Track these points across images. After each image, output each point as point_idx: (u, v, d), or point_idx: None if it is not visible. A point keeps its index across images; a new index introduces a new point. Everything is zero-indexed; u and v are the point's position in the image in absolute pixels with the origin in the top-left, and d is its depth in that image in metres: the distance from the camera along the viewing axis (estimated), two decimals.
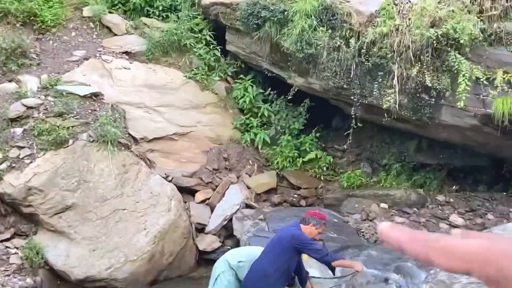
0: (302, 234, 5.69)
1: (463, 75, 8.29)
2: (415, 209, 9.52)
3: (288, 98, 10.68)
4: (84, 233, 8.47)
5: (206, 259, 9.44)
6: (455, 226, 8.98)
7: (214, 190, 10.13)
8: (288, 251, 5.58)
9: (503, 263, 0.53)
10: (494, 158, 10.09)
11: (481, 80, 8.33)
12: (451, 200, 9.77)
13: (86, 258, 8.30)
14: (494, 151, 9.76)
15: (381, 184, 10.24)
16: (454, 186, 10.25)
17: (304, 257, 6.84)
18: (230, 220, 9.57)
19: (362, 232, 8.90)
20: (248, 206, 9.85)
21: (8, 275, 7.89)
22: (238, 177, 10.45)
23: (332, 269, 5.77)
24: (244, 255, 6.15)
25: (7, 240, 8.35)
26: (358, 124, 9.67)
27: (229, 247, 9.40)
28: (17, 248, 8.27)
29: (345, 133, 10.18)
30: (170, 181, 9.78)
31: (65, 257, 8.28)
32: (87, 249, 8.38)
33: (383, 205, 9.66)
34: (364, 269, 5.81)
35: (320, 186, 10.65)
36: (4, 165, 8.51)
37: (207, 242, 9.51)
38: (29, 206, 8.44)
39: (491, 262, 0.54)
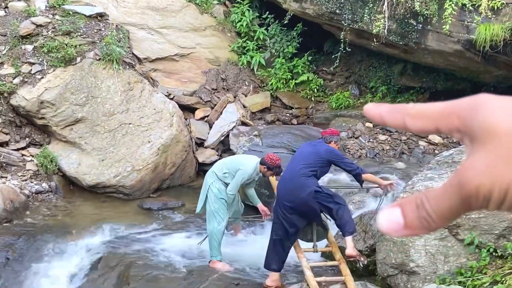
0: (336, 150, 5.85)
1: (450, 0, 8.32)
2: None
3: (284, 22, 10.66)
4: (93, 144, 8.71)
5: (205, 170, 9.71)
6: (434, 144, 9.30)
7: (212, 108, 10.32)
8: (323, 162, 5.71)
9: (463, 112, 0.54)
10: (473, 82, 10.28)
11: (467, 6, 8.37)
12: None
13: (96, 167, 8.59)
14: (474, 76, 9.94)
15: None
16: None
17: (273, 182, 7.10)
18: (227, 136, 9.82)
19: (348, 148, 9.19)
20: (243, 123, 10.08)
21: (25, 180, 8.20)
22: (235, 97, 10.61)
23: (361, 182, 5.90)
24: (228, 167, 6.45)
25: (23, 148, 8.60)
26: (348, 48, 9.75)
27: None
28: (32, 156, 8.54)
29: (334, 57, 10.28)
30: (172, 99, 9.93)
31: (77, 165, 8.56)
32: (96, 159, 8.66)
33: (368, 124, 9.91)
34: (394, 185, 5.97)
35: (310, 106, 10.87)
36: (17, 80, 8.61)
37: (206, 155, 9.80)
38: (42, 118, 8.62)
39: (454, 114, 0.54)
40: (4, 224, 7.27)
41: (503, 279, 4.81)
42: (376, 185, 6.07)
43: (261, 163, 6.34)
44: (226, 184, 6.41)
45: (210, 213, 6.41)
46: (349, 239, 5.58)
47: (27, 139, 8.74)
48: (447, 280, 5.01)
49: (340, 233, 5.87)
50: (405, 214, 0.56)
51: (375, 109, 0.61)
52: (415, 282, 5.29)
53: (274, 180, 6.88)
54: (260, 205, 6.70)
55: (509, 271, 4.90)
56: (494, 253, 5.01)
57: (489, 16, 8.33)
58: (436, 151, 8.95)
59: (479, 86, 10.27)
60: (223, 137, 9.85)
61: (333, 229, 6.17)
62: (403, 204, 0.56)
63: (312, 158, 5.64)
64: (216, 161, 9.73)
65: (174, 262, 6.44)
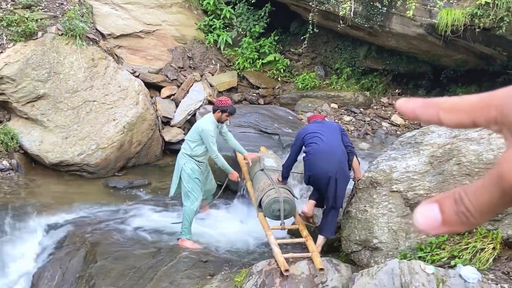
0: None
1: None
2: (361, 109, 10.01)
3: (251, 1, 10.65)
4: (56, 122, 8.55)
5: (171, 149, 9.76)
6: (396, 125, 9.57)
7: (178, 87, 10.26)
8: (340, 137, 5.84)
9: (501, 103, 0.52)
10: (434, 65, 10.59)
11: None
12: (394, 102, 10.31)
13: (59, 145, 8.45)
14: (435, 59, 10.24)
15: (333, 86, 10.62)
16: (397, 90, 10.77)
17: (262, 148, 7.24)
18: (194, 114, 9.81)
19: None
20: (210, 102, 10.07)
21: None
22: (201, 76, 10.58)
23: (350, 164, 6.01)
24: (192, 139, 6.43)
25: None
26: (315, 29, 9.85)
27: None
28: None
29: (302, 38, 10.38)
30: (137, 76, 9.83)
31: (39, 143, 8.40)
32: (60, 136, 8.51)
33: (333, 105, 10.10)
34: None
35: (277, 87, 10.95)
36: None
37: (172, 134, 9.78)
38: (1, 94, 8.40)
39: (491, 105, 0.53)
40: None
41: (460, 254, 5.06)
42: (352, 175, 6.10)
43: (214, 110, 6.37)
44: (198, 164, 6.41)
45: (185, 193, 6.44)
46: (321, 238, 5.85)
47: None
48: (408, 256, 5.23)
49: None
50: (443, 210, 0.54)
51: (408, 104, 0.60)
52: (377, 258, 5.50)
53: (241, 159, 6.96)
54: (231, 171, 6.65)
55: (465, 246, 5.15)
56: None
57: (451, 1, 8.57)
58: (398, 132, 9.23)
59: (439, 70, 10.59)
60: (189, 116, 9.84)
61: (299, 207, 6.33)
62: (440, 200, 0.55)
63: (335, 134, 5.78)
64: (182, 140, 9.78)
65: (142, 239, 6.47)
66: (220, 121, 6.39)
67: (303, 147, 5.91)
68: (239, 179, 6.72)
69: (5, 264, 6.20)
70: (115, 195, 7.98)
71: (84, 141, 8.56)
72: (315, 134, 5.82)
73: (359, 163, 6.06)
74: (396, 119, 9.67)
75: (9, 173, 8.09)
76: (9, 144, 8.18)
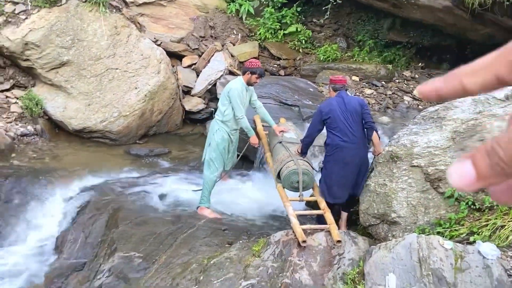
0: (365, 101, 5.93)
1: None
2: (383, 82, 9.84)
3: None
4: (79, 89, 8.59)
5: (191, 119, 9.78)
6: (417, 99, 9.40)
7: (200, 56, 10.19)
8: (361, 118, 5.80)
9: None
10: (459, 39, 10.31)
11: None
12: (416, 76, 10.12)
13: (83, 111, 8.51)
14: (461, 33, 9.96)
15: (354, 59, 10.44)
16: (420, 63, 10.54)
17: (282, 120, 7.18)
18: (214, 84, 9.77)
19: None
20: (231, 72, 10.01)
21: (10, 122, 8.09)
22: (222, 45, 10.48)
23: (370, 139, 5.98)
24: (221, 103, 6.40)
25: (7, 90, 8.45)
26: (338, 0, 9.63)
27: (212, 109, 9.72)
28: (17, 98, 8.40)
29: (324, 8, 10.17)
30: (159, 45, 9.78)
31: (63, 109, 8.46)
32: (83, 103, 8.56)
33: (354, 77, 9.95)
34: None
35: (298, 58, 10.80)
36: (0, 19, 8.34)
37: (193, 104, 9.77)
38: (26, 60, 8.43)
39: (511, 52, 0.51)
40: None
41: (479, 230, 5.01)
42: (372, 149, 6.09)
43: (244, 72, 6.35)
44: (230, 135, 6.42)
45: (207, 161, 6.46)
46: (345, 215, 6.03)
47: (11, 80, 8.57)
48: (426, 230, 5.19)
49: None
50: (476, 165, 0.53)
51: (427, 87, 0.58)
52: (395, 232, 5.48)
53: (261, 130, 6.92)
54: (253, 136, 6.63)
55: (485, 223, 5.09)
56: (472, 206, 5.19)
57: None
58: (420, 107, 9.07)
59: (464, 43, 10.32)
60: (210, 86, 9.79)
61: (317, 179, 6.31)
62: (473, 155, 0.53)
63: (357, 118, 5.71)
64: (202, 109, 9.79)
65: (163, 207, 6.53)
66: (249, 83, 6.37)
67: (324, 125, 5.88)
68: (259, 145, 6.72)
69: (30, 228, 6.32)
70: (136, 163, 8.04)
71: (106, 108, 8.59)
72: (339, 119, 5.74)
73: (379, 137, 5.98)
74: None
75: (33, 138, 8.18)
76: (33, 109, 8.25)
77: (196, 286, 4.83)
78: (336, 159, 5.79)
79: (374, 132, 5.83)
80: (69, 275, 5.43)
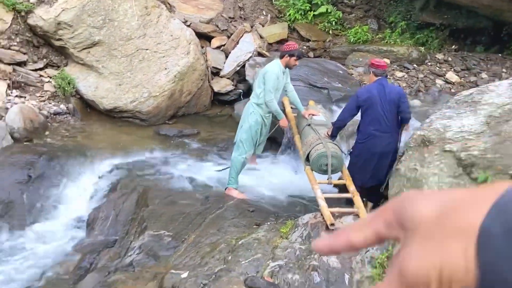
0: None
1: None
2: (415, 65, 9.66)
3: None
4: (111, 69, 8.68)
5: (219, 100, 9.79)
6: (450, 83, 9.20)
7: (229, 37, 10.16)
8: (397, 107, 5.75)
9: (395, 206, 0.54)
10: (495, 21, 10.02)
11: None
12: (449, 58, 9.89)
13: (113, 91, 8.60)
14: (497, 14, 9.67)
15: (386, 41, 10.26)
16: (454, 46, 10.30)
17: (311, 102, 7.13)
18: (243, 66, 9.74)
19: (364, 83, 9.12)
20: (260, 54, 9.96)
21: (43, 101, 8.25)
22: (252, 27, 10.43)
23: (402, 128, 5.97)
24: (257, 85, 6.38)
25: (40, 69, 8.59)
26: None
27: (241, 90, 9.72)
28: (50, 77, 8.54)
29: None
30: (188, 26, 9.78)
31: (94, 89, 8.57)
32: (114, 83, 8.65)
33: (385, 60, 9.78)
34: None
35: (328, 40, 10.67)
36: None
37: (221, 85, 9.77)
38: (59, 39, 8.54)
39: (388, 209, 0.55)
40: (25, 143, 7.39)
41: None
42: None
43: (281, 56, 6.31)
44: (264, 118, 6.42)
45: (237, 142, 6.48)
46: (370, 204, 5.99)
47: (44, 60, 8.71)
48: None
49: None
50: None
51: (321, 243, 0.60)
52: None
53: (290, 112, 6.89)
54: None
55: None
56: None
57: None
58: (453, 90, 8.89)
59: (500, 25, 10.03)
60: (239, 67, 9.77)
61: (347, 161, 6.27)
62: None
63: (394, 109, 5.66)
64: (231, 91, 9.78)
65: (191, 187, 6.60)
66: (288, 66, 6.34)
67: (359, 111, 5.82)
68: (287, 127, 6.71)
69: (63, 204, 6.46)
70: (165, 143, 8.12)
71: (136, 88, 8.67)
72: (375, 108, 5.67)
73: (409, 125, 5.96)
74: (451, 76, 9.30)
75: (66, 117, 8.32)
76: (66, 89, 8.38)
77: (225, 266, 4.88)
78: (367, 147, 5.77)
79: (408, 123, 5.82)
80: (100, 251, 5.55)
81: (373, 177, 5.87)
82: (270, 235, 5.30)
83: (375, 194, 6.08)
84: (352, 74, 9.47)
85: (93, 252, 5.56)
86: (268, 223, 5.71)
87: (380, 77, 5.80)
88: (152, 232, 5.51)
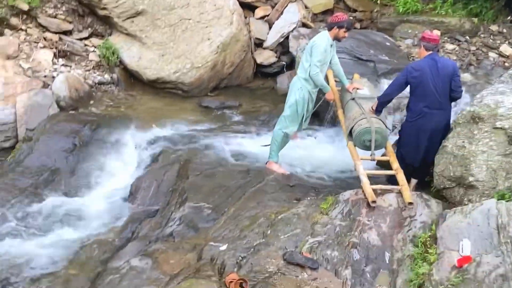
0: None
1: None
2: (467, 37, 9.24)
3: None
4: (154, 39, 8.70)
5: (262, 72, 9.69)
6: (504, 56, 8.78)
7: (273, 7, 9.99)
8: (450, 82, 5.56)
9: None
10: None
11: None
12: (504, 30, 9.41)
13: (156, 62, 8.64)
14: None
15: (437, 11, 9.82)
16: (510, 17, 9.78)
17: (356, 76, 6.95)
18: (287, 37, 9.57)
19: (413, 56, 8.83)
20: (304, 25, 9.75)
21: (88, 70, 8.38)
22: None
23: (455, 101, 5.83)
24: (305, 59, 6.26)
25: (85, 38, 8.71)
26: None
27: (284, 63, 9.58)
28: (94, 46, 8.65)
29: None
30: None
31: (138, 59, 8.63)
32: (157, 53, 8.68)
33: (436, 31, 9.38)
34: None
35: (375, 10, 10.33)
36: None
37: (265, 57, 9.65)
38: (104, 9, 8.60)
39: None
40: (70, 112, 7.56)
41: None
42: None
43: (329, 28, 6.17)
44: (311, 94, 6.32)
45: (281, 116, 6.42)
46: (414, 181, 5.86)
47: (89, 29, 8.82)
48: (506, 196, 4.94)
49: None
50: None
51: None
52: (472, 196, 5.25)
53: (334, 85, 6.75)
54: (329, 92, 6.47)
55: None
56: None
57: None
58: (507, 64, 8.50)
59: None
60: (282, 39, 9.62)
61: (391, 138, 6.12)
62: None
63: (447, 85, 5.50)
64: (274, 63, 9.66)
65: (232, 160, 6.61)
66: (337, 38, 6.20)
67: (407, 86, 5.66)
68: (333, 101, 6.60)
69: (106, 174, 6.61)
70: (207, 114, 8.14)
71: (179, 59, 8.68)
72: (427, 85, 5.47)
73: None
74: (506, 49, 8.85)
75: (110, 87, 8.45)
76: (110, 58, 8.48)
77: (263, 240, 4.89)
78: (418, 126, 5.60)
79: None
80: (142, 221, 5.67)
81: (424, 156, 5.71)
82: (310, 211, 5.27)
83: (421, 172, 5.92)
84: (400, 46, 9.16)
85: (135, 221, 5.68)
86: (308, 198, 5.67)
87: (431, 52, 5.59)
88: (192, 203, 5.58)
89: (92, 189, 6.41)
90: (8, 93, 7.35)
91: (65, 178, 6.39)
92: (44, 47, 8.23)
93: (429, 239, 4.74)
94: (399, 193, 5.28)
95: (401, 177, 5.47)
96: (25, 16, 8.32)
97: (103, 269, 4.87)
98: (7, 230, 5.52)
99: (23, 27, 8.28)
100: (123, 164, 6.78)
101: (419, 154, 5.70)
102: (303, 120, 6.50)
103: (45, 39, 8.32)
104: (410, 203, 5.11)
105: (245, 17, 9.74)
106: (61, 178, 6.38)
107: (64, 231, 5.57)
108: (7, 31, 8.02)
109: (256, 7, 9.95)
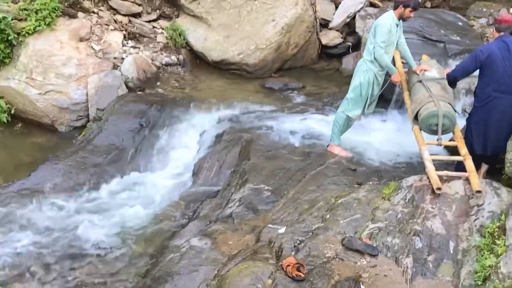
0: None
1: None
2: None
3: None
4: (219, 20, 8.72)
5: (327, 53, 9.49)
6: None
7: None
8: None
9: None
10: None
11: None
12: None
13: (221, 43, 8.66)
14: None
15: None
16: None
17: (424, 57, 6.65)
18: (353, 17, 9.31)
19: (487, 37, 8.34)
20: (372, 4, 9.46)
21: (156, 52, 8.53)
22: None
23: None
24: (370, 42, 6.08)
25: (154, 20, 8.87)
26: None
27: (350, 43, 9.33)
28: (162, 28, 8.80)
29: None
30: None
31: (203, 40, 8.70)
32: (222, 35, 8.70)
33: None
34: None
35: None
36: None
37: (330, 37, 9.44)
38: None
39: None
40: (138, 93, 7.76)
41: None
42: None
43: (395, 7, 5.94)
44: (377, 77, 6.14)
45: (345, 99, 6.29)
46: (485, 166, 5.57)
47: (157, 11, 8.96)
48: None
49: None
50: None
51: None
52: None
53: (400, 67, 6.49)
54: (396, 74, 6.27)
55: None
56: None
57: None
58: None
59: None
60: (349, 19, 9.36)
61: (460, 123, 5.83)
62: None
63: None
64: (339, 44, 9.43)
65: (294, 142, 6.54)
66: (402, 17, 5.97)
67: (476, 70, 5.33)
68: (399, 83, 6.36)
69: (171, 154, 6.76)
70: (270, 96, 8.09)
71: (244, 41, 8.65)
72: (496, 68, 5.14)
73: None
74: None
75: (176, 68, 8.57)
76: (177, 40, 8.60)
77: (322, 224, 4.82)
78: (487, 110, 5.29)
79: None
80: (203, 201, 5.75)
81: (496, 144, 5.39)
82: (371, 196, 5.13)
83: (492, 159, 5.60)
84: (474, 26, 8.68)
85: (196, 201, 5.77)
86: (370, 183, 5.54)
87: (503, 33, 5.24)
88: (252, 185, 5.59)
89: (157, 168, 6.58)
90: (81, 74, 7.63)
91: (132, 157, 6.60)
92: (115, 29, 8.45)
93: (497, 229, 4.48)
94: (467, 180, 5.03)
95: (469, 163, 5.20)
96: None
97: (165, 246, 4.99)
98: (76, 206, 5.78)
99: (95, 10, 8.53)
100: (187, 144, 6.90)
101: (488, 140, 5.39)
102: (368, 103, 6.31)
103: (115, 21, 8.54)
104: (478, 191, 4.85)
105: None
106: (128, 157, 6.59)
107: (129, 209, 5.77)
108: (80, 14, 8.28)
109: None
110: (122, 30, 8.47)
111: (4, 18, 7.39)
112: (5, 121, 7.44)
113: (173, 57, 8.58)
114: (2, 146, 7.16)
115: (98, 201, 5.88)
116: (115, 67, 7.91)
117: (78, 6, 8.34)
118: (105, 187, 6.12)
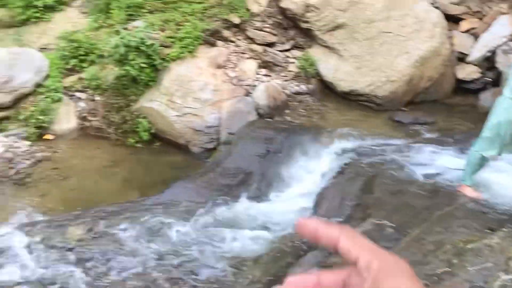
0: None
1: None
2: None
3: None
4: (351, 51, 8.74)
5: (462, 88, 9.05)
6: None
7: (481, 19, 9.26)
8: None
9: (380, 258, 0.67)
10: None
11: None
12: None
13: (352, 74, 8.66)
14: None
15: None
16: None
17: None
18: (494, 52, 8.80)
19: None
20: None
21: (287, 81, 8.77)
22: (510, 8, 9.29)
23: None
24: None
25: (287, 50, 9.13)
26: None
27: (489, 79, 8.82)
28: (294, 58, 9.02)
29: None
30: (436, 7, 9.20)
31: (334, 71, 8.76)
32: (353, 66, 8.70)
33: None
34: None
35: None
36: None
37: (467, 72, 9.00)
38: (306, 22, 8.92)
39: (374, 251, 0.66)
40: (267, 120, 8.00)
41: None
42: None
43: None
44: None
45: (479, 137, 5.92)
46: None
47: (291, 41, 9.22)
48: None
49: None
50: None
51: (308, 223, 0.68)
52: None
53: None
54: None
55: None
56: None
57: None
58: None
59: None
60: (489, 53, 8.86)
61: None
62: None
63: None
64: (477, 79, 8.94)
65: (421, 178, 6.27)
66: None
67: None
68: None
69: (294, 181, 6.83)
70: (398, 130, 7.88)
71: (375, 72, 8.57)
72: None
73: None
74: None
75: (305, 97, 8.72)
76: (308, 70, 8.76)
77: (449, 269, 4.54)
78: None
79: None
80: None
81: None
82: (505, 244, 4.72)
83: None
84: None
85: None
86: (504, 229, 5.10)
87: None
88: (374, 220, 5.44)
89: (280, 194, 6.68)
90: (216, 99, 8.08)
91: (257, 181, 6.78)
92: (250, 57, 8.84)
93: None
94: None
95: None
96: (235, 29, 9.05)
97: (282, 276, 5.03)
98: (201, 223, 6.06)
99: (233, 38, 9.01)
100: (310, 172, 6.92)
101: None
102: (506, 143, 5.87)
103: (251, 50, 8.95)
104: None
105: (449, 30, 9.20)
106: (253, 181, 6.79)
107: (251, 232, 5.91)
108: (219, 42, 8.81)
109: (461, 19, 9.34)
110: (256, 59, 8.84)
111: (152, 45, 8.10)
112: (146, 139, 8.09)
113: (303, 86, 8.75)
114: (141, 162, 7.78)
115: (223, 221, 6.11)
116: (247, 93, 8.26)
117: (218, 35, 8.88)
118: (231, 207, 6.35)
